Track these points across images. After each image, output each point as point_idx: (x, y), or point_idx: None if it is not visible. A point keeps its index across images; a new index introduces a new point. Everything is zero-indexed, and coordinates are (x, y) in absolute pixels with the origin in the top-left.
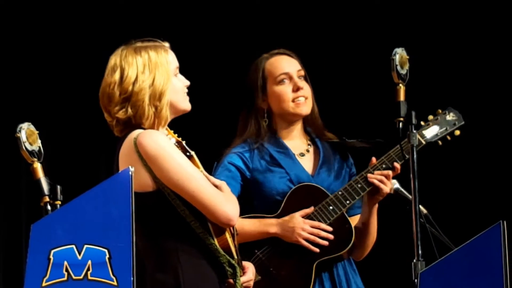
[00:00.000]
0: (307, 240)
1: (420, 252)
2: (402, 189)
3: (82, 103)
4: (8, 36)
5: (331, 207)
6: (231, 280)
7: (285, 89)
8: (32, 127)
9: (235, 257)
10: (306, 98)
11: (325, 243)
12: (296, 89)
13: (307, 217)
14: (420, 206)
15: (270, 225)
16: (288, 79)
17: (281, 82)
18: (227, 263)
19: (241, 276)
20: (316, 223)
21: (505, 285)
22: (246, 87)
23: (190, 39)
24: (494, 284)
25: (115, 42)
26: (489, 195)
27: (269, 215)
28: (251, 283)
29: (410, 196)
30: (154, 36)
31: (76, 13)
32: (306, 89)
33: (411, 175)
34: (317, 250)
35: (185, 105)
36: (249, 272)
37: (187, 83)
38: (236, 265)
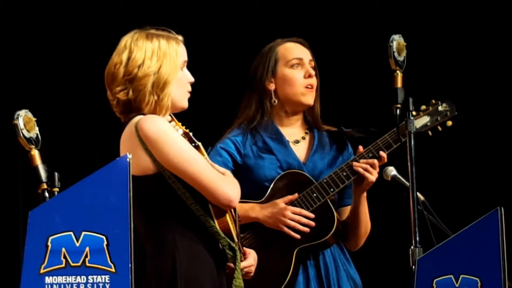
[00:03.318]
0: (288, 226)
1: (417, 238)
2: (400, 176)
3: (80, 90)
4: (6, 24)
5: (314, 195)
6: (231, 264)
7: (297, 74)
8: (29, 114)
9: (236, 240)
10: (312, 88)
11: (306, 229)
12: (308, 75)
13: (291, 203)
14: (418, 193)
15: (251, 209)
16: (301, 65)
17: (293, 66)
18: (228, 246)
19: (241, 260)
20: (297, 209)
21: (503, 271)
22: (254, 69)
23: (191, 33)
24: (491, 270)
25: (113, 30)
26: (486, 181)
27: (255, 201)
28: (253, 268)
29: (407, 183)
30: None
31: (73, 3)
32: (315, 79)
33: (409, 162)
34: (298, 236)
35: (183, 102)
36: (250, 258)
37: (192, 79)
38: (236, 248)
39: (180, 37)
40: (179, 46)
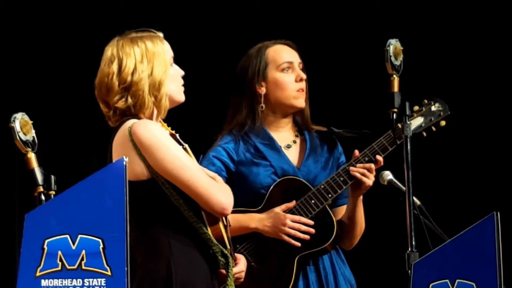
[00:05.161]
0: (288, 234)
1: (413, 243)
2: (396, 180)
3: (76, 94)
4: (2, 26)
5: (313, 201)
6: (223, 271)
7: (288, 78)
8: (26, 117)
9: (228, 247)
10: (303, 91)
11: (306, 237)
12: (300, 79)
13: (289, 211)
14: (414, 197)
15: (250, 220)
16: (291, 68)
17: (284, 70)
18: (220, 253)
19: (233, 266)
20: (297, 217)
21: (498, 275)
22: (242, 72)
23: (182, 31)
24: (487, 275)
25: (108, 33)
26: (482, 186)
27: (253, 209)
28: (243, 274)
29: (403, 187)
30: (145, 27)
31: (69, 5)
32: (305, 82)
33: (405, 166)
34: (299, 244)
35: (180, 96)
36: (241, 264)
37: (182, 73)
38: (229, 255)
39: (161, 34)
40: (164, 43)
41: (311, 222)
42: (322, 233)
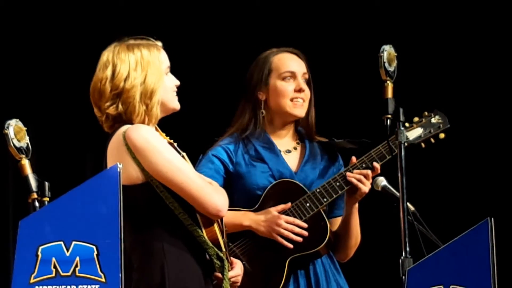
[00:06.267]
0: (281, 235)
1: (407, 249)
2: (390, 186)
3: (70, 100)
4: None
5: (307, 204)
6: (219, 274)
7: (287, 87)
8: (20, 124)
9: (224, 250)
10: (304, 101)
11: (299, 239)
12: (298, 89)
13: (284, 212)
14: (408, 204)
15: (244, 217)
16: (293, 78)
17: (285, 78)
18: (215, 256)
19: (229, 270)
20: (291, 218)
21: (493, 282)
22: (249, 77)
23: (182, 38)
24: (481, 281)
25: (105, 38)
26: (476, 192)
27: (247, 210)
28: (239, 278)
29: (397, 194)
30: (146, 35)
31: (64, 10)
32: (307, 92)
33: (399, 173)
34: (291, 246)
35: (174, 104)
36: (237, 268)
37: (177, 83)
38: (224, 258)
39: (160, 43)
40: (160, 52)
41: (305, 225)
42: (315, 236)
